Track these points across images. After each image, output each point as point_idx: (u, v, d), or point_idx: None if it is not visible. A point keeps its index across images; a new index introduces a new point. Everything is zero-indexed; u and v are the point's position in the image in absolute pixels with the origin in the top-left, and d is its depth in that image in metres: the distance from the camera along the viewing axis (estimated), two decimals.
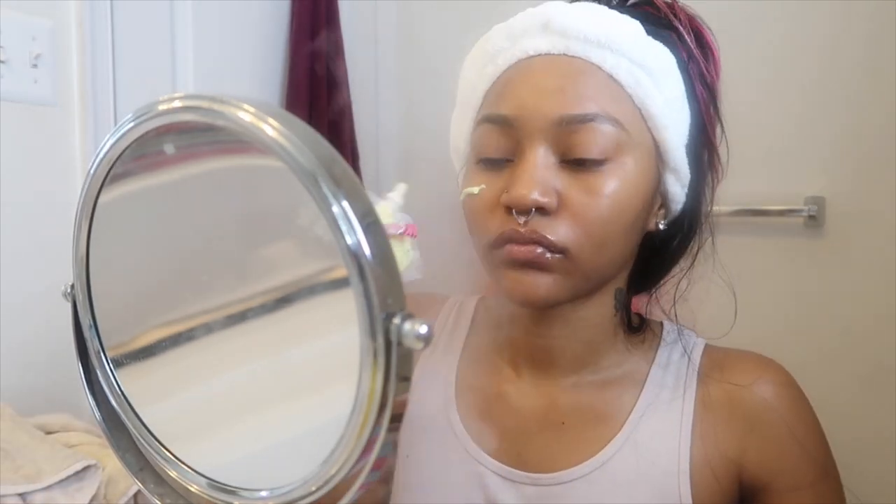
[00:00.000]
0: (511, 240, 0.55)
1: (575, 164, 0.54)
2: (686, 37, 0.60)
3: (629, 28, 0.57)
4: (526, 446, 0.61)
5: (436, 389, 0.66)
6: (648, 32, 0.58)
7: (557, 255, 0.54)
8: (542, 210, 0.54)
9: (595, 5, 0.59)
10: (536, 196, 0.53)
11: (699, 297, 0.65)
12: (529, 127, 0.55)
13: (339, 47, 1.47)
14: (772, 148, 1.17)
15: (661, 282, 0.65)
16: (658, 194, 0.60)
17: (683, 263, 0.65)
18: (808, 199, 1.16)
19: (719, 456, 0.58)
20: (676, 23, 0.60)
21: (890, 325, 1.11)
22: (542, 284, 0.55)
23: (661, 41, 0.58)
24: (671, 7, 0.62)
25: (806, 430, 0.60)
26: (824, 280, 1.17)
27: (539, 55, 0.57)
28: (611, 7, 0.60)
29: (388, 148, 1.63)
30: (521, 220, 0.54)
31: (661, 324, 0.66)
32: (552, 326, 0.61)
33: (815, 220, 1.15)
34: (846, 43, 1.13)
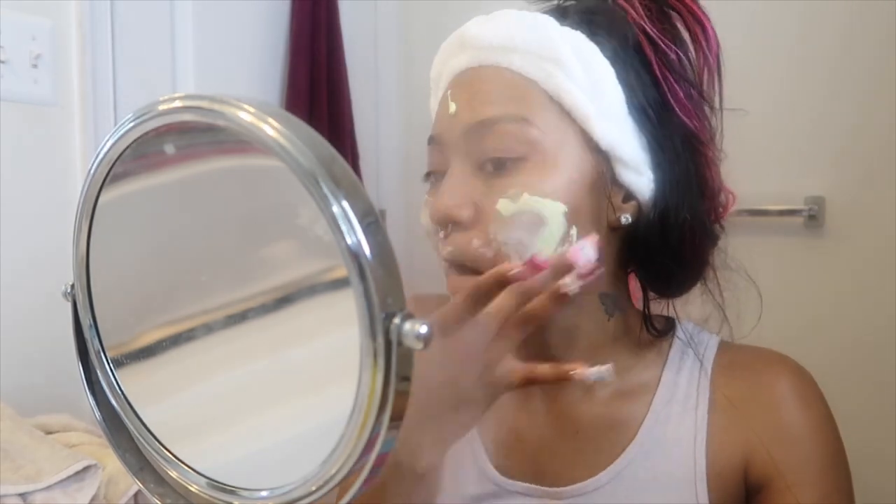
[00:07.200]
0: (448, 260, 0.56)
1: (493, 171, 0.54)
2: (635, 16, 0.57)
3: (536, 25, 0.56)
4: (542, 459, 0.61)
5: None
6: (564, 24, 0.57)
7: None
8: (457, 224, 0.54)
9: (507, 11, 0.58)
10: (448, 208, 0.54)
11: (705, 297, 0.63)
12: (446, 142, 0.57)
13: (340, 47, 1.47)
14: (772, 148, 1.17)
15: (688, 287, 0.61)
16: (613, 187, 0.57)
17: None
18: (808, 199, 1.16)
19: (734, 457, 0.57)
20: (623, 3, 0.58)
21: (890, 323, 1.11)
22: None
23: (580, 30, 0.56)
24: None
25: (815, 426, 0.58)
26: (824, 280, 1.17)
27: (461, 71, 0.58)
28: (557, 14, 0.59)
29: (388, 148, 1.63)
30: (441, 234, 0.55)
31: (674, 321, 0.64)
32: (548, 338, 0.59)
33: (815, 220, 1.16)
34: (847, 44, 1.13)
